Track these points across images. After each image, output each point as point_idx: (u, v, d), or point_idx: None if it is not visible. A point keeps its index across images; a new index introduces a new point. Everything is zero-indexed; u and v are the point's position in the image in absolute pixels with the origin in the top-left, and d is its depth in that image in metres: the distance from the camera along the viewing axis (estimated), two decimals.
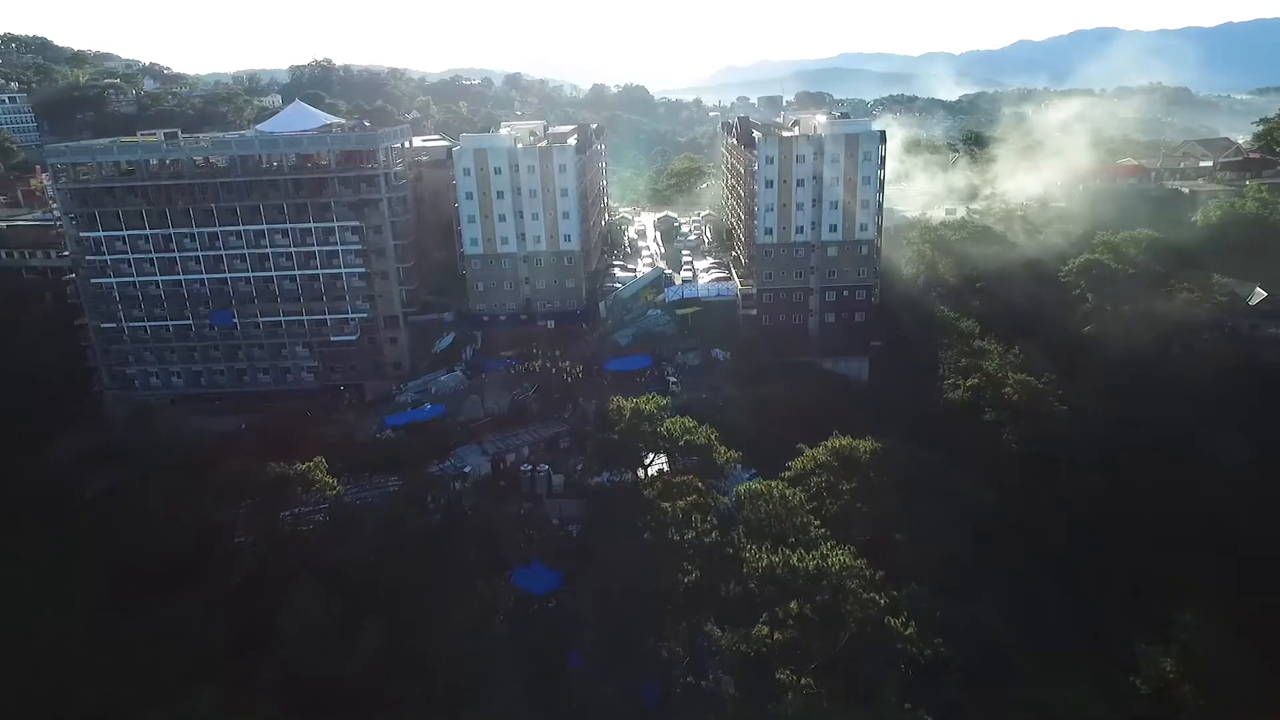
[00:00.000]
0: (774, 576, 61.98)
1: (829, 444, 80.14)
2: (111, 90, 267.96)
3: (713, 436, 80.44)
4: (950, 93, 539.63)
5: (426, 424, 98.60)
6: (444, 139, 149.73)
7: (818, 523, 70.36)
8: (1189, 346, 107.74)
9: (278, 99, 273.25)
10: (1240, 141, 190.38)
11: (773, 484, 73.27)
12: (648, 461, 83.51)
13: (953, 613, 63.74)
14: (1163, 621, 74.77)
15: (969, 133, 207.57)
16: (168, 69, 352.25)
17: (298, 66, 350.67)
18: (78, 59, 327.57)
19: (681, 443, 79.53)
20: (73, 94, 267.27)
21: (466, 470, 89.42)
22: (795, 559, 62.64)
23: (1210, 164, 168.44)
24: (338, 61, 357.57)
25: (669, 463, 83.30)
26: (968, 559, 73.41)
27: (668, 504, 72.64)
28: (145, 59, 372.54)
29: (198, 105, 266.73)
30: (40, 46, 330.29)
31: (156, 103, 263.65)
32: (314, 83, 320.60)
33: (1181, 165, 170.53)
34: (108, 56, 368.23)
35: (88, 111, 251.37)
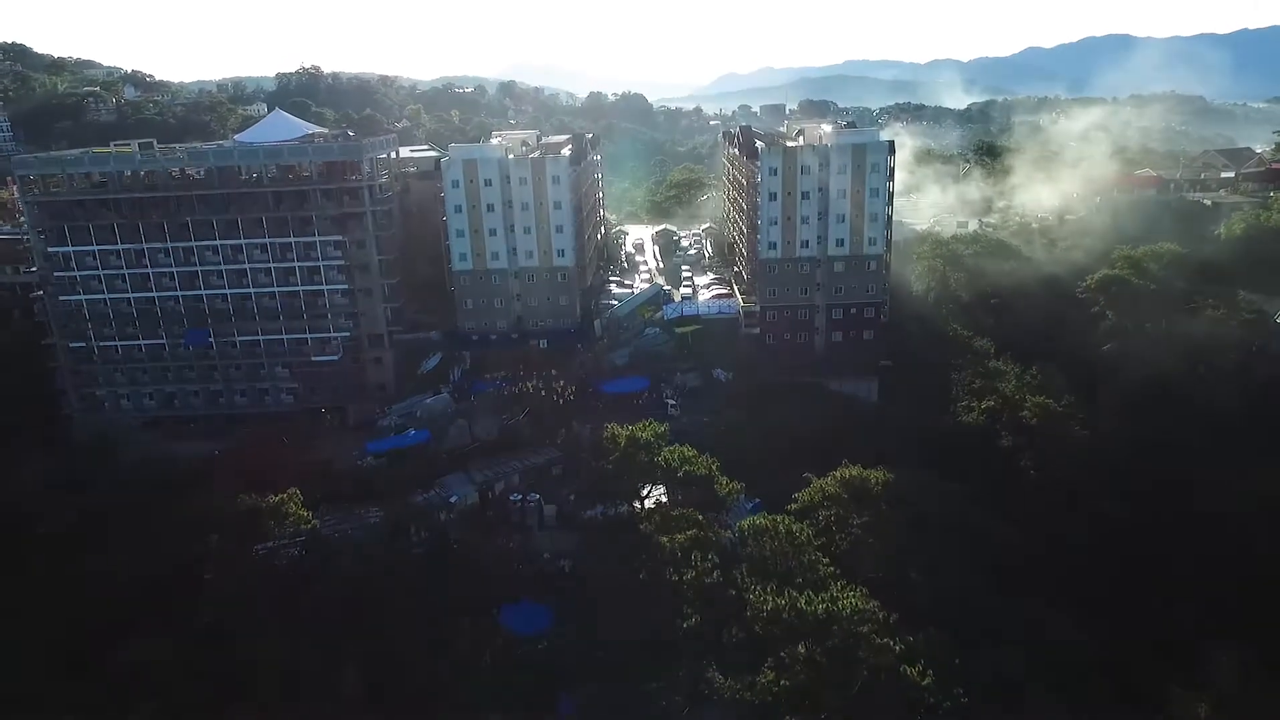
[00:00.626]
0: (780, 620, 59.45)
1: (838, 474, 77.75)
2: (91, 99, 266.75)
3: (713, 466, 78.06)
4: (959, 101, 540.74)
5: (410, 450, 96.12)
6: (433, 149, 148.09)
7: (826, 560, 67.88)
8: (1214, 367, 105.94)
9: (263, 107, 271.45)
10: (1260, 151, 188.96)
11: (778, 519, 70.74)
12: (645, 493, 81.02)
13: (973, 658, 61.08)
14: (1194, 660, 72.35)
15: (981, 143, 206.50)
16: (150, 76, 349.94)
17: (284, 74, 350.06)
18: (57, 66, 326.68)
19: (680, 473, 77.11)
20: (51, 103, 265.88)
21: (452, 500, 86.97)
22: (803, 601, 60.07)
23: (1232, 175, 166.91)
24: (326, 68, 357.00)
25: (667, 494, 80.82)
26: (986, 597, 71.08)
27: (666, 539, 70.20)
28: (128, 66, 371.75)
29: (180, 114, 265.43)
30: (18, 54, 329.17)
31: (137, 111, 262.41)
32: (301, 90, 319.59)
33: (1202, 176, 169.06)
34: (89, 64, 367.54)
35: (65, 121, 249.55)
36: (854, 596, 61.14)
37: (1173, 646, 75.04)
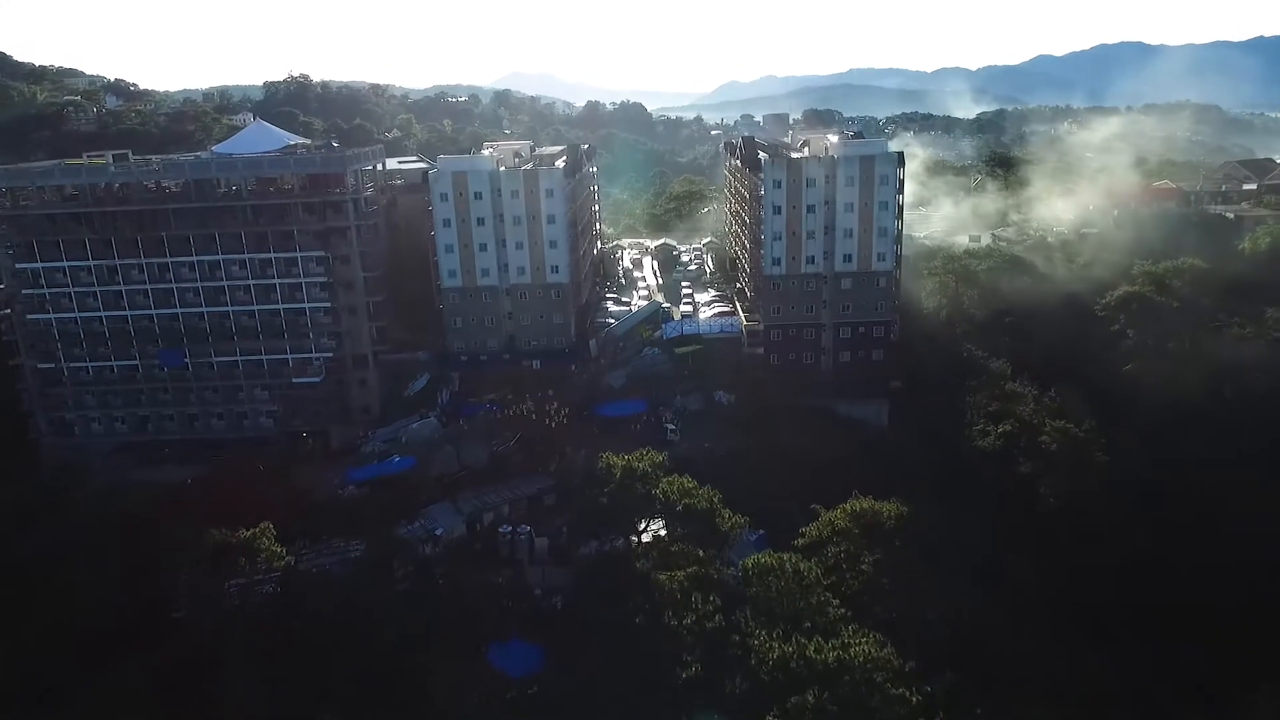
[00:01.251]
0: (787, 669, 56.94)
1: (848, 507, 75.49)
2: (71, 108, 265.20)
3: (715, 499, 75.47)
4: (968, 110, 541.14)
5: (395, 478, 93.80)
6: (421, 160, 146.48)
7: (837, 601, 65.48)
8: (1242, 388, 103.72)
9: (249, 117, 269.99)
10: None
11: (785, 557, 68.28)
12: (642, 527, 78.57)
13: (995, 707, 58.66)
14: (1228, 700, 70.10)
15: (993, 153, 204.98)
16: (134, 85, 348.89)
17: (272, 83, 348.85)
18: (37, 75, 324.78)
19: (680, 507, 74.56)
20: (29, 112, 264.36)
21: (438, 532, 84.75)
22: (812, 649, 57.65)
23: (1254, 187, 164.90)
24: (316, 77, 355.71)
25: (666, 528, 78.35)
26: (1008, 637, 68.73)
27: (665, 576, 67.84)
28: (112, 75, 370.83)
29: (163, 124, 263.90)
30: None
31: (118, 121, 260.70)
32: (289, 100, 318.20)
33: (1223, 188, 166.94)
34: (71, 72, 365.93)
35: (44, 131, 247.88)
36: (866, 643, 58.74)
37: (1205, 685, 73.01)
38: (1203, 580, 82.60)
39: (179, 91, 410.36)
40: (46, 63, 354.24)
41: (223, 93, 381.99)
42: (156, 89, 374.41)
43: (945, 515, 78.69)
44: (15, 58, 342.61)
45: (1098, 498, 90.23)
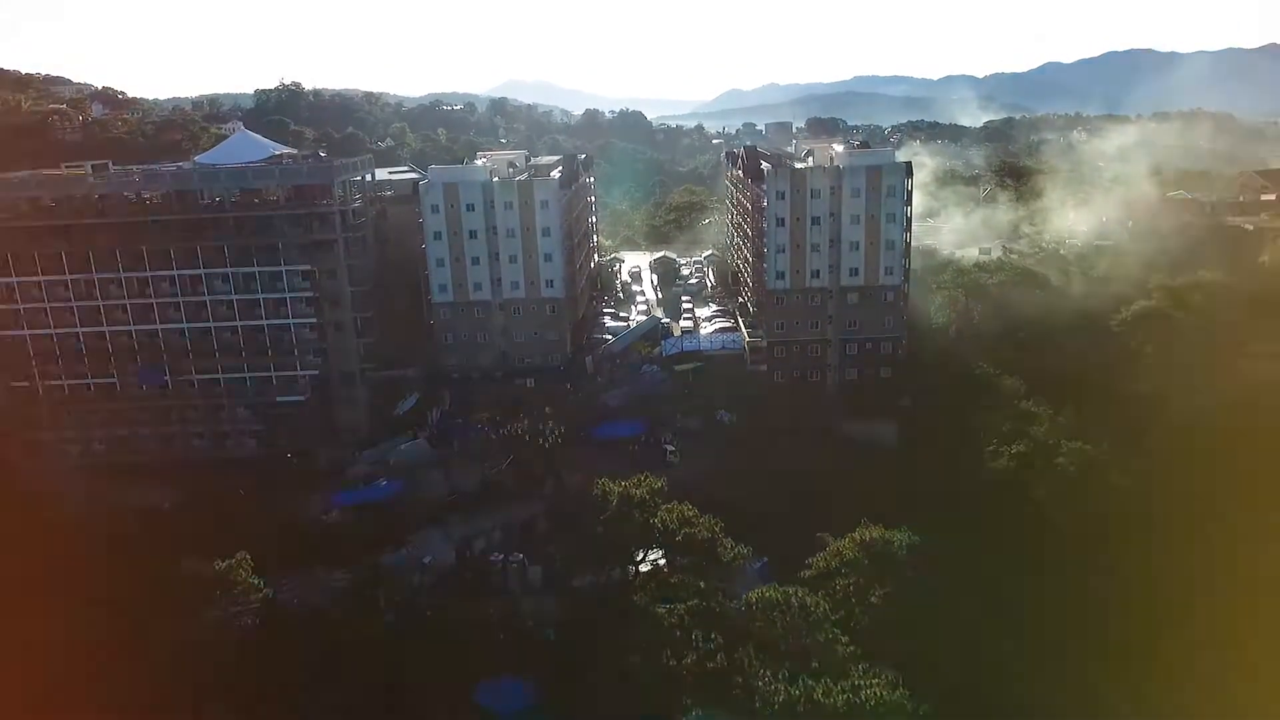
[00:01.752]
0: (794, 713, 54.77)
1: (857, 536, 73.41)
2: (56, 117, 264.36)
3: (716, 528, 73.47)
4: (974, 118, 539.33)
5: (382, 503, 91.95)
6: (413, 170, 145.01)
7: (846, 638, 63.38)
8: (1265, 407, 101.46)
9: (239, 125, 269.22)
10: None
11: (790, 591, 66.14)
12: (639, 557, 76.49)
13: None
14: None
15: (1003, 163, 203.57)
16: (122, 94, 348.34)
17: (263, 90, 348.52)
18: (23, 83, 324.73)
19: (679, 536, 72.50)
20: (13, 122, 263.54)
21: (426, 561, 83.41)
22: (820, 691, 55.56)
23: (1273, 197, 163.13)
24: (308, 84, 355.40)
25: (665, 557, 76.30)
26: (1029, 674, 66.40)
27: (664, 610, 65.74)
28: (100, 83, 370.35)
29: (150, 133, 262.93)
30: None
31: (105, 130, 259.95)
32: (280, 107, 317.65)
33: (1240, 198, 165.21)
34: (58, 80, 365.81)
35: (29, 140, 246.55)
36: (878, 684, 56.60)
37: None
38: (1230, 604, 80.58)
39: (168, 99, 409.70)
40: (32, 70, 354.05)
41: (213, 100, 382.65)
42: (145, 97, 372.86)
43: (958, 541, 76.63)
44: (0, 65, 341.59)
45: (1118, 522, 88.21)
